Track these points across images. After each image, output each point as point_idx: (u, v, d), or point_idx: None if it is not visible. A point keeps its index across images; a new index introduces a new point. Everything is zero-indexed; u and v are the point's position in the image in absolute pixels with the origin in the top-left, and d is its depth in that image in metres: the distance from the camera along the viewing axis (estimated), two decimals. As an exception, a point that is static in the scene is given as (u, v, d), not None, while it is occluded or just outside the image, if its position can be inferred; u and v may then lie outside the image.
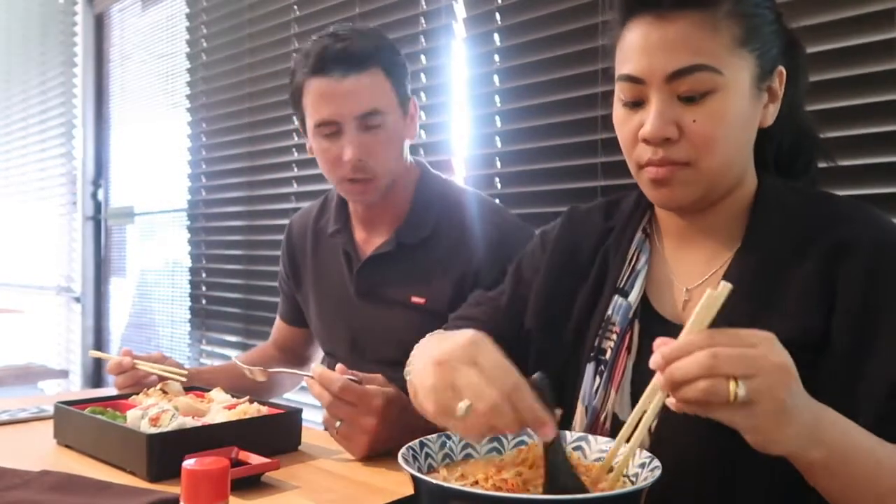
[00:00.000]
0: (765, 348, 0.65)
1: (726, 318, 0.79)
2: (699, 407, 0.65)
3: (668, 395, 0.68)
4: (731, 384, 0.63)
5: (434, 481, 0.69)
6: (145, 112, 3.49)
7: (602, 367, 0.93)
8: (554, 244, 1.06)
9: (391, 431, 1.06)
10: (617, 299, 0.96)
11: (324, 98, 1.32)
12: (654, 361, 0.67)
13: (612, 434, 0.89)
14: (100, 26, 3.77)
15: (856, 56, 1.33)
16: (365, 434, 1.07)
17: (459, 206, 1.41)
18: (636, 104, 0.86)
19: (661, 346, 0.67)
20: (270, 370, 1.29)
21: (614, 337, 0.94)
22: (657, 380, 0.67)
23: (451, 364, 0.70)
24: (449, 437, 0.84)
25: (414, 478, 0.70)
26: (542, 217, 1.77)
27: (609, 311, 0.96)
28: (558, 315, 1.00)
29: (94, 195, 3.76)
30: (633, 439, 0.73)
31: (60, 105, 3.95)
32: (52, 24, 4.03)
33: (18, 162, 4.46)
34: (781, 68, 0.89)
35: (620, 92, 0.88)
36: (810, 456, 0.69)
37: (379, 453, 1.09)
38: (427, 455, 0.81)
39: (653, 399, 0.70)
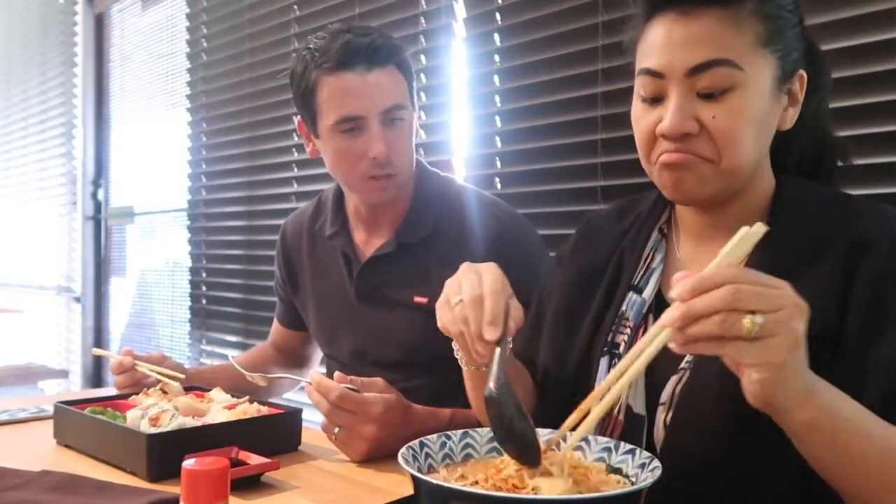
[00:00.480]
0: (785, 289, 0.67)
1: None
2: (710, 342, 0.65)
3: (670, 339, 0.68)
4: (748, 318, 0.63)
5: (434, 481, 0.69)
6: (145, 112, 3.49)
7: (616, 360, 0.94)
8: (571, 256, 1.09)
9: (391, 438, 1.06)
10: (631, 296, 0.97)
11: (348, 93, 1.29)
12: (678, 292, 0.66)
13: (627, 426, 0.90)
14: (100, 26, 3.77)
15: (858, 56, 1.33)
16: (364, 441, 1.07)
17: (459, 203, 1.41)
18: (655, 100, 0.86)
19: (684, 279, 0.66)
20: (270, 376, 1.29)
21: (628, 331, 0.95)
22: (668, 315, 0.66)
23: (467, 270, 0.86)
24: (449, 438, 0.84)
25: (414, 478, 0.70)
26: (542, 217, 1.78)
27: (623, 308, 0.97)
28: (577, 318, 1.01)
29: (94, 195, 3.76)
30: (607, 398, 0.72)
31: (60, 105, 3.95)
32: (52, 24, 4.03)
33: (18, 162, 4.46)
34: (802, 72, 0.89)
35: (640, 87, 0.87)
36: (801, 415, 0.69)
37: (379, 458, 1.09)
38: (427, 455, 0.81)
39: (656, 338, 0.69)
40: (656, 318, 0.92)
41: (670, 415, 0.86)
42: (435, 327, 1.39)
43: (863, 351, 0.79)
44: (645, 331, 0.93)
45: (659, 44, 0.84)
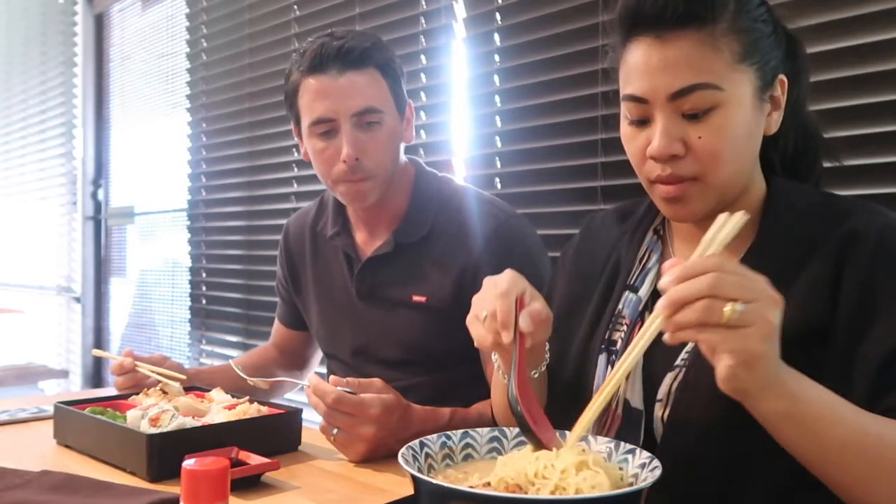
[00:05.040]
0: (762, 282, 0.70)
1: None
2: (693, 330, 0.68)
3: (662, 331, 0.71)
4: (728, 305, 0.66)
5: (434, 481, 0.69)
6: (145, 112, 3.49)
7: (613, 357, 0.96)
8: (572, 258, 1.11)
9: (390, 438, 1.06)
10: (627, 295, 0.99)
11: (320, 95, 1.30)
12: (666, 280, 0.70)
13: (625, 420, 0.92)
14: (100, 26, 3.77)
15: (858, 56, 1.33)
16: (363, 442, 1.07)
17: (455, 202, 1.41)
18: (642, 122, 0.88)
19: (672, 267, 0.70)
20: (271, 379, 1.29)
21: (624, 328, 0.97)
22: (659, 303, 0.70)
23: (486, 282, 0.89)
24: (449, 438, 0.84)
25: (414, 478, 0.70)
26: (542, 217, 1.78)
27: (620, 306, 0.99)
28: (576, 318, 1.03)
29: (94, 195, 3.76)
30: (608, 387, 0.76)
31: (60, 105, 3.95)
32: (52, 24, 4.03)
33: (18, 162, 4.46)
34: (783, 77, 0.90)
35: (626, 111, 0.90)
36: (773, 405, 0.71)
37: (378, 458, 1.09)
38: (427, 455, 0.81)
39: (651, 326, 0.73)
40: None
41: (667, 411, 0.87)
42: (434, 326, 1.40)
43: (851, 344, 0.81)
44: (641, 327, 0.94)
45: (639, 69, 0.86)
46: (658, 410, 0.89)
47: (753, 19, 0.86)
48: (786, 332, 0.80)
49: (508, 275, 0.88)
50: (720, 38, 0.83)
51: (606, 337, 0.98)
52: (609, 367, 0.96)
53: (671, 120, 0.85)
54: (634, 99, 0.87)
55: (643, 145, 0.88)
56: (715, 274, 0.67)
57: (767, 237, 0.90)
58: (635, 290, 0.99)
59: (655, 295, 0.96)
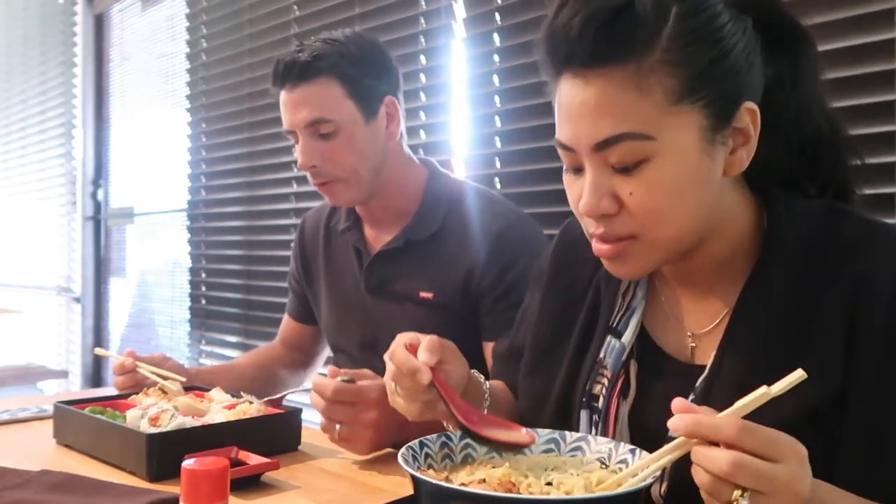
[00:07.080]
0: (790, 468, 0.60)
1: (740, 371, 0.75)
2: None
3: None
4: (737, 492, 0.59)
5: (434, 481, 0.69)
6: (145, 112, 3.49)
7: (595, 415, 0.87)
8: (549, 276, 1.00)
9: (392, 423, 1.06)
10: (610, 340, 0.88)
11: (283, 109, 1.38)
12: (674, 425, 0.62)
13: None
14: (100, 26, 3.77)
15: (857, 56, 1.33)
16: (368, 429, 1.07)
17: (466, 202, 1.43)
18: (577, 170, 0.79)
19: (684, 412, 0.62)
20: (276, 396, 1.29)
21: (605, 381, 0.87)
22: (673, 423, 0.62)
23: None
24: (449, 438, 0.84)
25: (414, 478, 0.70)
26: (542, 217, 1.77)
27: (602, 354, 0.88)
28: (553, 361, 0.94)
29: (94, 195, 3.76)
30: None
31: (60, 105, 3.95)
32: (52, 24, 4.03)
33: (18, 162, 4.47)
34: (751, 105, 0.75)
35: (561, 157, 0.80)
36: None
37: (383, 448, 1.09)
38: (427, 455, 0.81)
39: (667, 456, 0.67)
40: (639, 363, 0.86)
41: (664, 486, 0.80)
42: (440, 323, 1.41)
43: (873, 417, 0.72)
44: (626, 380, 0.86)
45: (563, 114, 0.76)
46: (654, 486, 0.80)
47: (700, 40, 0.71)
48: (800, 409, 0.71)
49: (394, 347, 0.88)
50: (649, 76, 0.70)
51: (587, 389, 0.88)
52: (592, 427, 0.87)
53: (599, 173, 0.74)
54: (561, 146, 0.78)
55: (578, 196, 0.77)
56: (731, 457, 0.58)
57: (765, 276, 0.79)
58: (618, 335, 0.87)
59: (642, 339, 0.88)
